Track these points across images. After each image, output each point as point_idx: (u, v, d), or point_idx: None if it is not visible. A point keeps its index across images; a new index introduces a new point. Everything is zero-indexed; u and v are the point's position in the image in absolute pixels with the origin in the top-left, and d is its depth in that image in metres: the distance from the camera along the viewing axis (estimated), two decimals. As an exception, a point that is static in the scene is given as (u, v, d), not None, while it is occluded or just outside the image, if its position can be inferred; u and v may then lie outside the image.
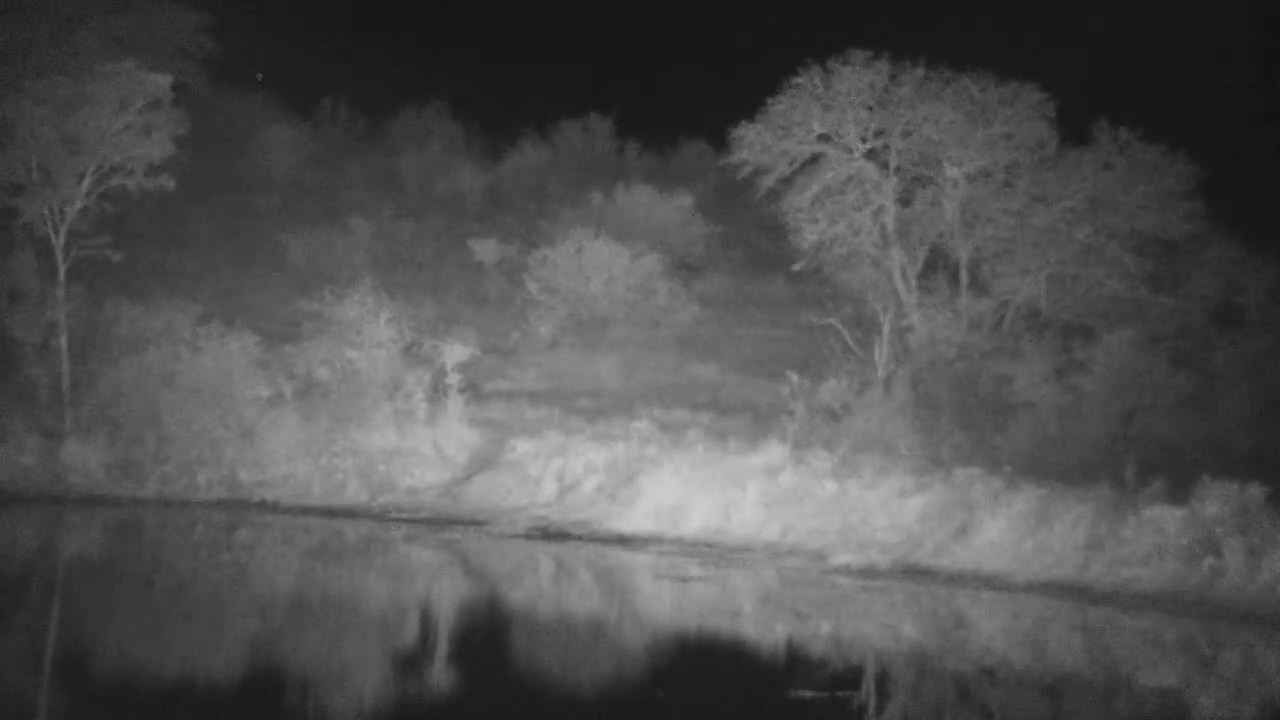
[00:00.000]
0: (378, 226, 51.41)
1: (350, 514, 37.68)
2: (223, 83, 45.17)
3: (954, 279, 40.46)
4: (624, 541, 34.64)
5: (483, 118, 56.42)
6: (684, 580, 31.28)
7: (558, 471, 37.81)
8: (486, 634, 27.09)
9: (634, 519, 35.36)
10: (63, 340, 39.84)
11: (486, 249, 50.72)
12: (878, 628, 27.65)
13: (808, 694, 21.94)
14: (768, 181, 41.12)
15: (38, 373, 39.71)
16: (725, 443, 37.39)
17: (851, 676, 23.60)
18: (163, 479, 38.27)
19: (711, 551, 33.48)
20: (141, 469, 38.38)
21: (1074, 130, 40.29)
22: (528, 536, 35.46)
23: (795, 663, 24.68)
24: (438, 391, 39.60)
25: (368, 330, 39.98)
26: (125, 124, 40.67)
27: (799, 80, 40.72)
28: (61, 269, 40.24)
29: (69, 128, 40.25)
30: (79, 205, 40.31)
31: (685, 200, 53.84)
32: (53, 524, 36.69)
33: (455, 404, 39.49)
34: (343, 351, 39.85)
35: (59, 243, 40.32)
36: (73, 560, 33.56)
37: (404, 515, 37.49)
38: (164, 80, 41.15)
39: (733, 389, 43.04)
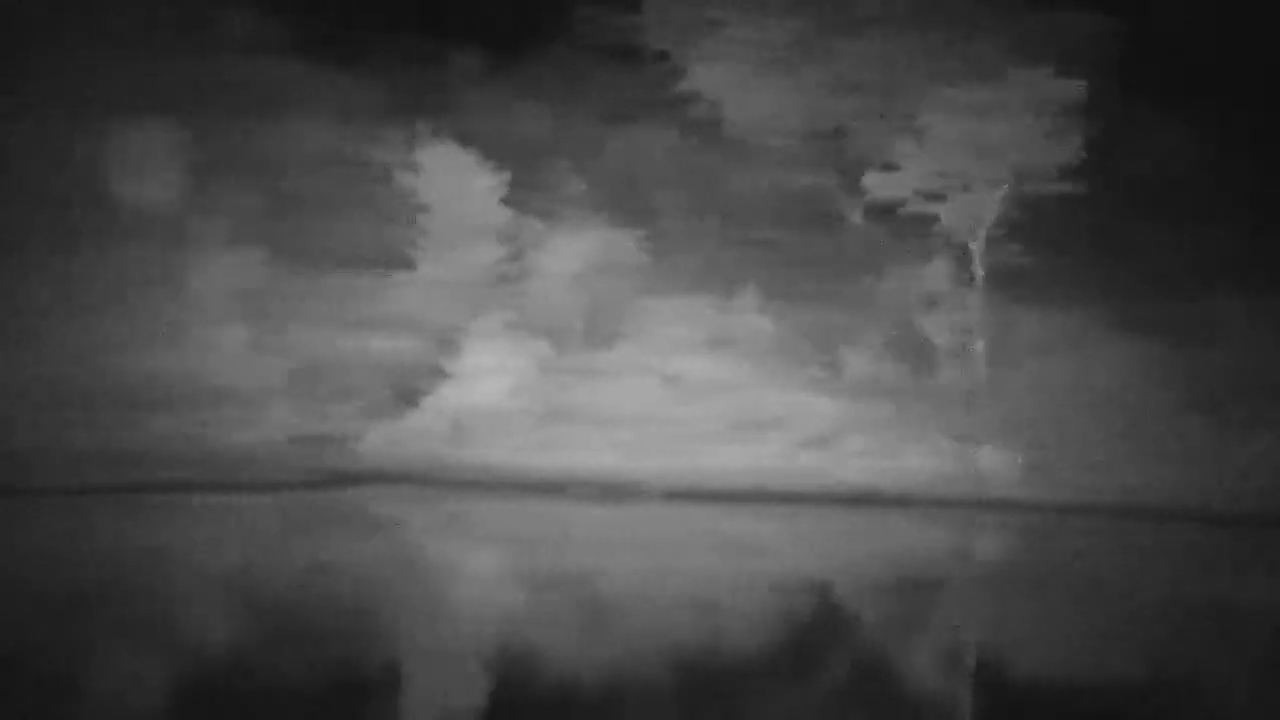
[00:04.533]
0: None
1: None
2: (1130, 89, 45.06)
3: None
4: None
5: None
6: None
7: None
8: None
9: None
10: (978, 345, 41.02)
11: None
12: None
13: None
14: None
15: (953, 376, 41.08)
16: None
17: None
18: (1071, 484, 38.71)
19: None
20: (1052, 473, 38.98)
21: None
22: None
23: None
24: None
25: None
26: (1039, 131, 41.45)
27: None
28: (978, 275, 41.47)
29: (983, 135, 41.42)
30: (994, 212, 41.42)
31: None
32: (966, 527, 37.76)
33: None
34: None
35: (976, 249, 41.58)
36: (988, 566, 34.40)
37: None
38: (1077, 87, 41.51)
39: None
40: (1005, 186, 41.53)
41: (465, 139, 42.40)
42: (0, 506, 34.48)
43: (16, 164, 40.42)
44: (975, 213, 41.65)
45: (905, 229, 42.37)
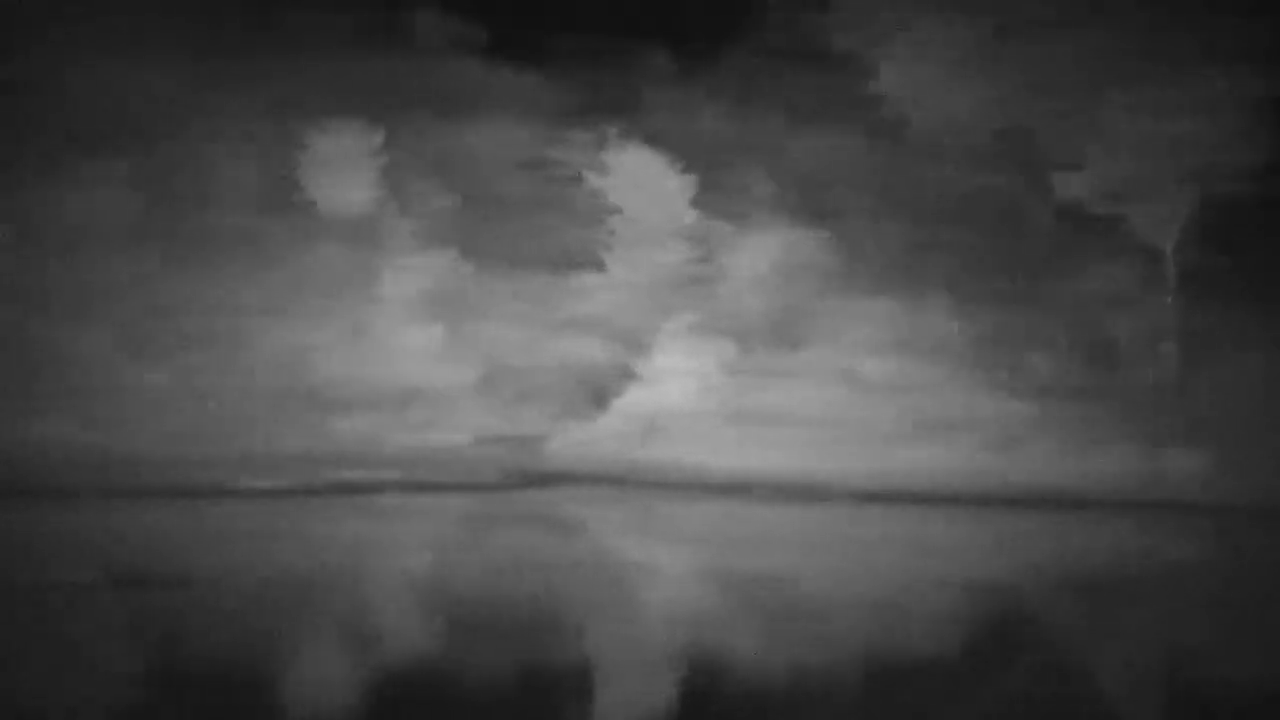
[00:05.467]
0: None
1: None
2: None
3: None
4: None
5: None
6: None
7: None
8: None
9: None
10: (1167, 346, 40.68)
11: None
12: None
13: None
14: None
15: (1141, 377, 40.76)
16: None
17: None
18: (1261, 486, 38.22)
19: None
20: (1242, 475, 38.54)
21: None
22: None
23: None
24: None
25: None
26: (1230, 130, 40.98)
27: None
28: (1168, 275, 41.11)
29: (1173, 135, 41.05)
30: (1184, 212, 41.03)
31: None
32: (1154, 529, 37.46)
33: None
34: None
35: (1166, 249, 41.22)
36: (1175, 568, 34.16)
37: None
38: (1269, 84, 41.00)
39: None
40: (1196, 186, 41.11)
41: (654, 140, 42.79)
42: (195, 508, 35.35)
43: (215, 169, 41.35)
44: (1165, 213, 41.31)
45: (1094, 229, 42.12)
